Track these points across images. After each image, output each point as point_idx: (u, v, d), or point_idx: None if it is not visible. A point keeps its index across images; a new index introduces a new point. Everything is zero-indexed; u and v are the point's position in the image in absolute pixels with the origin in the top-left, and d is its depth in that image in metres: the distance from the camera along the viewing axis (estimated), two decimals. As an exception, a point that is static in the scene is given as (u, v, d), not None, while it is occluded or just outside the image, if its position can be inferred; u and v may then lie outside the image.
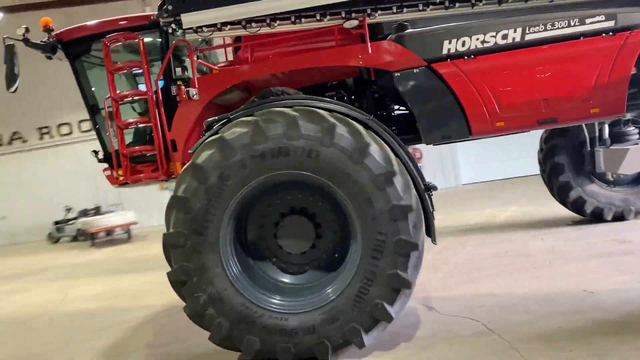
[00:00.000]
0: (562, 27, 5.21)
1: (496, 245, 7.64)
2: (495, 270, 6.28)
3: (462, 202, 13.53)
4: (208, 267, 4.28)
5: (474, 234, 8.74)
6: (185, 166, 4.41)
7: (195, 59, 5.69)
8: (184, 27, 5.29)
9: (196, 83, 5.57)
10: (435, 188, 4.74)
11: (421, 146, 9.62)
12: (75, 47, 6.39)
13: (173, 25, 5.33)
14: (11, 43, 5.97)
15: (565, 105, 5.28)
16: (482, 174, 17.49)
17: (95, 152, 6.53)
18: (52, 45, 6.29)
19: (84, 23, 6.39)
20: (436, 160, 17.20)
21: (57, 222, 18.16)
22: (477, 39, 5.27)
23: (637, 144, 7.16)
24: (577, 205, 8.30)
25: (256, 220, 4.73)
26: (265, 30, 5.33)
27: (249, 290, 4.37)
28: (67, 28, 6.32)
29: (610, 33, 5.21)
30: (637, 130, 7.37)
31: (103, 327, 6.13)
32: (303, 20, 5.21)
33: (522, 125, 5.49)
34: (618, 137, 7.42)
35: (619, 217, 8.11)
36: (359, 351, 4.26)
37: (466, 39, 5.31)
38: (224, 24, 5.30)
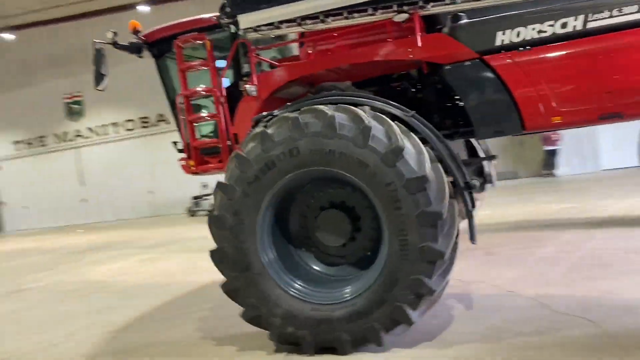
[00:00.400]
0: (632, 13, 4.65)
1: (629, 240, 6.97)
2: (623, 268, 5.74)
3: (598, 189, 12.49)
4: (245, 251, 4.55)
5: (605, 226, 8.04)
6: (231, 155, 4.66)
7: (255, 56, 5.87)
8: (240, 28, 5.49)
9: (255, 80, 5.76)
10: (475, 187, 4.64)
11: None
12: (158, 47, 6.86)
13: (232, 26, 5.55)
14: (100, 47, 6.57)
15: (631, 99, 4.77)
16: (626, 159, 15.85)
17: (175, 143, 6.98)
18: (139, 46, 6.80)
19: (165, 24, 6.82)
20: (574, 143, 15.95)
21: (195, 197, 19.81)
22: (534, 29, 4.89)
23: None
24: None
25: (299, 210, 4.91)
26: (320, 26, 5.37)
27: (279, 275, 4.60)
28: (151, 30, 6.80)
29: None
30: None
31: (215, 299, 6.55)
32: (355, 15, 5.19)
33: (581, 120, 5.10)
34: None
35: None
36: (455, 338, 4.22)
37: (521, 29, 4.96)
38: (281, 22, 5.41)
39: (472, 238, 4.57)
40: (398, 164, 4.14)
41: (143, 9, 19.74)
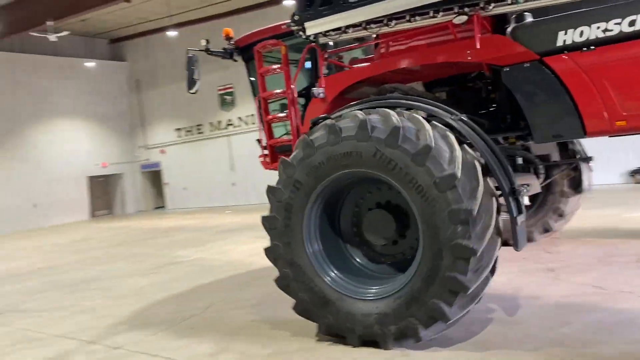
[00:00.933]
0: None
1: None
2: None
3: None
4: (291, 240, 4.97)
5: None
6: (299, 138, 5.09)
7: (324, 60, 6.12)
8: (307, 34, 5.80)
9: (322, 82, 5.99)
10: (520, 192, 4.60)
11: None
12: (247, 52, 7.29)
13: (302, 32, 5.83)
14: (193, 55, 7.17)
15: None
16: None
17: (259, 141, 7.47)
18: (231, 51, 7.31)
19: (254, 30, 7.22)
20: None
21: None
22: (598, 28, 4.55)
23: None
24: None
25: (351, 207, 5.28)
26: (384, 30, 5.44)
27: (325, 271, 4.95)
28: (242, 36, 7.24)
29: None
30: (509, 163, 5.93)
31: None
32: (417, 18, 5.22)
33: None
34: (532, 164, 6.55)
35: None
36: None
37: (585, 28, 4.64)
38: (347, 26, 5.56)
39: (516, 245, 4.48)
40: (428, 163, 4.27)
41: (288, 3, 20.68)
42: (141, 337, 5.84)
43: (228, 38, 7.42)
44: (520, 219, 4.57)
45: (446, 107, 4.96)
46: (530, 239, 8.15)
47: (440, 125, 4.63)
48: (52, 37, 17.54)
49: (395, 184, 4.51)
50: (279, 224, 5.01)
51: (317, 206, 4.98)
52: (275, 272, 5.14)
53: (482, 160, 4.56)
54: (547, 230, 8.40)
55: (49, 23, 17.31)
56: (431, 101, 5.11)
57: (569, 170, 7.95)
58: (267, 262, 5.27)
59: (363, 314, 4.68)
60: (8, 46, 20.97)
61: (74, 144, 24.45)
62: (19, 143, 22.30)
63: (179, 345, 5.42)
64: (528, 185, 5.30)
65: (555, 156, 7.36)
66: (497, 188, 4.60)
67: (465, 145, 4.56)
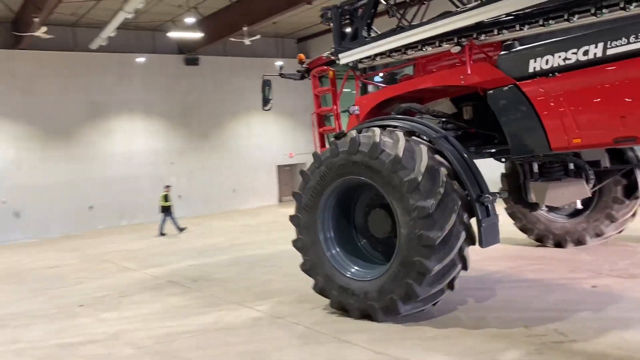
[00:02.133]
0: None
1: None
2: None
3: None
4: (310, 228, 6.38)
5: None
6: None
7: (359, 83, 7.47)
8: (341, 63, 7.32)
9: (357, 102, 7.36)
10: (493, 198, 5.60)
11: None
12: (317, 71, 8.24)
13: (338, 61, 7.31)
14: (268, 79, 8.66)
15: None
16: None
17: None
18: (302, 74, 8.38)
19: (319, 55, 8.19)
20: None
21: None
22: (560, 57, 5.28)
23: (559, 179, 7.14)
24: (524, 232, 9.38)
25: (362, 206, 6.51)
26: (404, 57, 6.70)
27: (332, 254, 6.31)
28: (310, 60, 8.24)
29: None
30: (561, 168, 7.23)
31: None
32: (427, 47, 6.32)
33: (598, 143, 5.60)
34: (545, 173, 7.27)
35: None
36: None
37: (549, 57, 5.35)
38: (375, 55, 6.90)
39: (480, 243, 5.57)
40: (399, 170, 5.45)
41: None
42: (299, 310, 6.65)
43: (301, 62, 8.59)
44: (487, 221, 5.53)
45: (433, 126, 6.16)
46: (581, 242, 8.77)
47: (416, 140, 5.78)
48: (247, 41, 19.63)
49: (378, 187, 5.73)
50: (302, 221, 6.48)
51: (329, 205, 6.36)
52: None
53: (449, 169, 5.61)
54: (598, 234, 8.74)
55: (245, 28, 19.40)
56: (421, 121, 6.30)
57: (622, 176, 8.27)
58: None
59: (356, 290, 5.94)
60: (213, 51, 23.92)
61: (267, 136, 26.97)
62: (222, 135, 25.34)
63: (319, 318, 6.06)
64: (499, 193, 6.10)
65: (606, 162, 7.69)
66: (467, 196, 5.57)
67: (437, 156, 5.63)
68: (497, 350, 4.79)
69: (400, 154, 5.47)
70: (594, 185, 7.82)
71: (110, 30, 17.36)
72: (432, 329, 5.53)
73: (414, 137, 5.80)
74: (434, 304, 5.85)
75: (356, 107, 7.25)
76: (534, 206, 8.33)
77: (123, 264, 11.77)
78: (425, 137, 5.91)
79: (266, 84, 8.86)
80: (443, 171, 5.50)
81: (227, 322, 6.54)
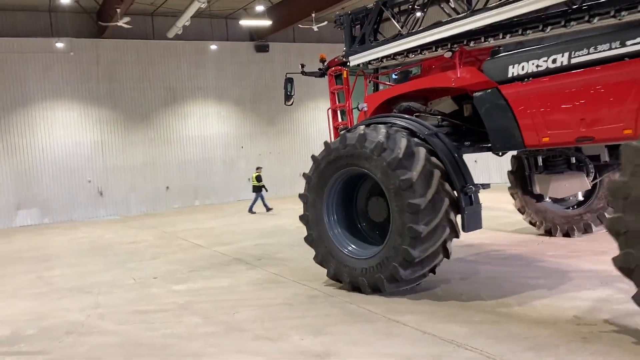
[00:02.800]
0: (604, 51, 5.37)
1: None
2: None
3: None
4: (316, 207, 7.21)
5: None
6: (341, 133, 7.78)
7: (367, 82, 8.28)
8: (350, 65, 8.18)
9: (365, 100, 8.19)
10: (478, 188, 6.36)
11: None
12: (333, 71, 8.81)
13: (349, 63, 8.17)
14: (290, 77, 9.34)
15: (600, 125, 5.52)
16: None
17: None
18: (323, 72, 8.92)
19: (336, 56, 8.74)
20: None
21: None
22: (533, 64, 5.97)
23: (562, 172, 7.82)
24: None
25: (364, 193, 7.23)
26: (407, 60, 7.56)
27: (334, 232, 7.14)
28: (331, 59, 8.79)
29: None
30: (564, 161, 7.86)
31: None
32: (425, 51, 7.14)
33: (563, 142, 6.12)
34: (549, 166, 7.91)
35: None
36: None
37: (525, 63, 6.05)
38: (383, 57, 7.71)
39: (463, 228, 6.32)
40: (397, 170, 6.14)
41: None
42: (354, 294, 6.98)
43: (322, 60, 9.15)
44: (470, 209, 6.27)
45: (427, 124, 6.79)
46: (587, 230, 9.25)
47: (415, 140, 6.39)
48: (315, 27, 19.94)
49: (380, 183, 6.38)
50: (310, 199, 7.24)
51: (335, 189, 7.10)
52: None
53: (442, 170, 6.22)
54: (602, 222, 9.07)
55: (313, 15, 19.71)
56: (416, 119, 6.93)
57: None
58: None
59: (352, 267, 6.79)
60: (282, 37, 24.42)
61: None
62: (290, 121, 25.85)
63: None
64: (482, 185, 6.57)
65: (605, 157, 7.84)
66: (452, 187, 6.26)
67: (433, 158, 6.26)
68: (541, 336, 4.89)
69: (401, 155, 6.14)
70: (594, 178, 8.50)
71: (185, 19, 18.18)
72: (479, 313, 5.68)
73: (415, 139, 6.37)
74: (417, 284, 6.74)
75: (365, 105, 8.03)
76: (539, 197, 9.14)
77: (195, 241, 12.52)
78: (419, 134, 6.58)
79: (288, 81, 9.61)
80: (437, 173, 6.15)
81: (285, 298, 6.96)
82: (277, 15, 20.93)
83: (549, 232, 9.61)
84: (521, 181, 9.39)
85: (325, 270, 7.14)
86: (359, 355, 4.82)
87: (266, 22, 20.49)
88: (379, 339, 5.18)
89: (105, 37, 20.56)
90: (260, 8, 19.74)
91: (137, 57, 21.72)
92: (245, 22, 21.11)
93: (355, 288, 6.76)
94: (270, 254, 10.23)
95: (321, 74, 9.35)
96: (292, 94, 9.67)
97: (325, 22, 20.41)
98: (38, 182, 20.40)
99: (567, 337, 4.81)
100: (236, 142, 23.77)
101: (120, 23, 17.37)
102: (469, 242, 9.44)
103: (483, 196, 6.58)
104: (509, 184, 9.91)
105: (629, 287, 6.17)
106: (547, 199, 9.29)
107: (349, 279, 6.81)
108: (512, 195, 9.93)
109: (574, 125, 5.82)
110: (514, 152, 8.86)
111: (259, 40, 23.80)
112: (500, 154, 7.30)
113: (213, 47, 22.50)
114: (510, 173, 9.71)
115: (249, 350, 5.16)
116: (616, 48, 5.31)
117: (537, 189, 8.23)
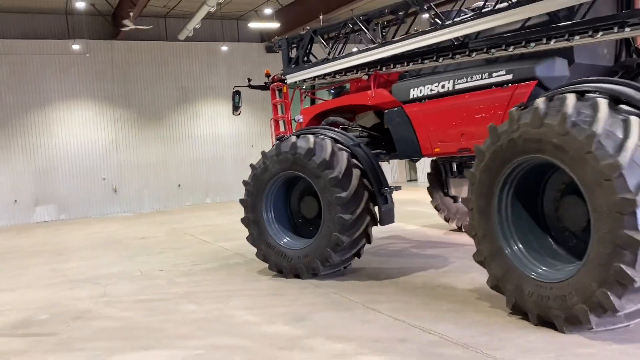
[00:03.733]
0: (477, 80, 6.83)
1: None
2: None
3: None
4: (256, 209, 8.16)
5: None
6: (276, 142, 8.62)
7: (303, 98, 9.44)
8: (288, 83, 9.51)
9: (301, 112, 9.48)
10: (392, 190, 7.69)
11: None
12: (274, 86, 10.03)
13: (287, 81, 9.48)
14: (238, 89, 10.37)
15: (474, 139, 6.41)
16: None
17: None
18: (268, 85, 9.86)
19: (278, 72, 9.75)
20: None
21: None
22: (427, 87, 7.42)
23: None
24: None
25: (297, 193, 8.32)
26: (335, 80, 8.91)
27: (272, 228, 8.11)
28: (274, 75, 9.77)
29: (508, 85, 6.49)
30: None
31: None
32: (348, 74, 8.52)
33: (448, 152, 7.57)
34: (463, 170, 8.75)
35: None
36: None
37: (422, 87, 7.49)
38: (312, 78, 9.07)
39: (380, 222, 7.61)
40: (325, 170, 7.32)
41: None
42: (340, 283, 7.47)
43: (267, 75, 10.14)
44: (385, 207, 7.52)
45: (350, 135, 8.04)
46: None
47: (338, 145, 7.58)
48: (323, 29, 20.46)
49: (312, 182, 7.49)
50: (249, 203, 8.20)
51: (272, 192, 8.08)
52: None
53: (362, 170, 7.47)
54: None
55: (321, 16, 20.19)
56: (342, 132, 8.07)
57: None
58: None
59: (290, 256, 7.80)
60: (292, 38, 25.04)
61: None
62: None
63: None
64: (395, 188, 7.83)
65: None
66: (373, 189, 7.50)
67: (353, 160, 7.50)
68: (498, 323, 5.32)
69: (327, 158, 7.34)
70: None
71: (195, 23, 18.79)
72: (448, 303, 6.13)
73: (338, 145, 7.47)
74: (345, 267, 8.05)
75: (300, 117, 9.27)
76: (455, 198, 10.42)
77: (201, 237, 13.11)
78: (344, 144, 7.73)
79: (236, 94, 10.62)
80: (357, 172, 7.39)
81: (276, 289, 7.49)
82: (285, 17, 21.44)
83: (459, 228, 10.69)
84: (438, 183, 10.76)
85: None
86: (333, 337, 5.31)
87: (274, 25, 21.01)
88: (354, 324, 5.68)
89: (119, 38, 21.27)
90: (269, 11, 20.27)
91: (150, 57, 22.40)
92: (254, 25, 21.66)
93: (295, 275, 7.86)
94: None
95: (266, 87, 10.32)
96: (240, 105, 10.75)
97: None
98: (55, 179, 21.19)
99: (522, 323, 5.24)
100: (247, 140, 24.33)
101: (133, 26, 18.06)
102: (449, 240, 9.89)
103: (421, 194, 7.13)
104: (428, 185, 11.16)
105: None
106: (460, 200, 10.12)
107: (288, 267, 7.86)
108: (430, 194, 11.13)
109: (456, 138, 7.21)
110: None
111: (270, 41, 24.34)
112: (415, 160, 8.81)
113: (224, 48, 23.08)
114: (429, 175, 11.08)
115: (235, 334, 5.69)
116: (485, 78, 6.73)
117: (452, 191, 9.39)
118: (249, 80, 10.42)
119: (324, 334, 5.43)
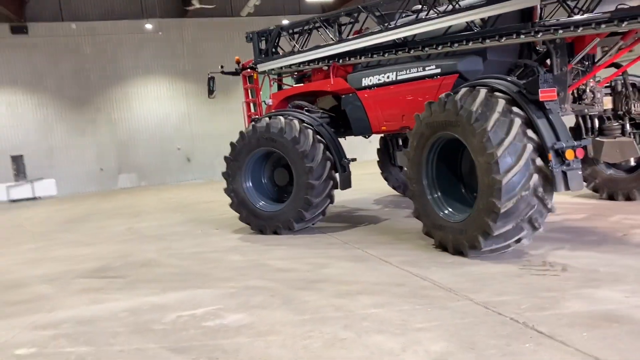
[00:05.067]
0: (414, 72, 8.51)
1: None
2: None
3: None
4: (237, 180, 9.70)
5: None
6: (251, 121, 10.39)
7: (271, 83, 10.70)
8: (259, 71, 10.91)
9: (271, 96, 11.07)
10: (349, 161, 9.39)
11: None
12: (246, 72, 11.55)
13: (258, 69, 10.90)
14: (212, 75, 11.70)
15: (413, 120, 7.42)
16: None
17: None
18: (238, 71, 11.20)
19: (249, 59, 10.92)
20: None
21: None
22: (376, 77, 9.06)
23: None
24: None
25: (271, 165, 9.94)
26: (302, 69, 10.50)
27: (251, 195, 9.73)
28: (244, 62, 10.96)
29: (437, 77, 8.16)
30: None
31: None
32: (311, 64, 10.06)
33: (393, 130, 9.44)
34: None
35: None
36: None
37: (372, 77, 9.12)
38: (282, 67, 10.52)
39: (340, 187, 9.32)
40: (296, 145, 8.93)
41: None
42: (364, 239, 8.40)
43: (237, 62, 11.41)
44: (343, 175, 9.24)
45: (315, 117, 9.65)
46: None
47: (305, 124, 9.19)
48: None
49: (284, 155, 9.12)
50: (231, 173, 9.69)
51: (250, 163, 9.60)
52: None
53: (324, 144, 9.09)
54: None
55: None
56: (307, 113, 9.72)
57: None
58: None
59: (266, 216, 9.49)
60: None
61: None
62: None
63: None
64: (351, 159, 9.42)
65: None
66: (334, 162, 9.15)
67: (318, 136, 9.11)
68: (488, 272, 6.07)
69: (297, 134, 8.94)
70: None
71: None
72: (452, 257, 6.90)
73: (304, 124, 8.82)
74: (313, 224, 9.64)
75: (270, 100, 10.71)
76: (401, 168, 12.19)
77: (259, 201, 14.38)
78: (310, 124, 9.30)
79: (210, 79, 11.96)
80: (320, 146, 9.02)
81: (307, 242, 8.65)
82: None
83: (403, 193, 12.47)
84: (387, 155, 12.64)
85: (351, 223, 9.15)
86: (343, 282, 6.28)
87: (332, -4, 21.65)
88: (364, 272, 6.61)
89: (188, 16, 22.73)
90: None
91: (217, 34, 23.80)
92: (312, -2, 22.36)
93: (262, 232, 9.58)
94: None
95: (237, 73, 11.65)
96: (214, 89, 12.22)
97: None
98: (135, 150, 23.29)
99: (513, 278, 5.95)
100: (309, 110, 25.33)
101: (202, 6, 19.37)
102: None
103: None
104: (378, 158, 12.91)
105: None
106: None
107: (267, 226, 9.48)
108: (379, 166, 12.87)
109: (398, 119, 8.94)
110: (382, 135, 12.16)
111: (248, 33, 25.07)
112: (367, 136, 10.13)
113: (285, 21, 23.98)
114: (378, 150, 12.87)
115: (266, 278, 6.79)
116: (420, 71, 8.34)
117: (399, 162, 11.44)
118: (222, 66, 11.74)
119: (336, 280, 6.41)
